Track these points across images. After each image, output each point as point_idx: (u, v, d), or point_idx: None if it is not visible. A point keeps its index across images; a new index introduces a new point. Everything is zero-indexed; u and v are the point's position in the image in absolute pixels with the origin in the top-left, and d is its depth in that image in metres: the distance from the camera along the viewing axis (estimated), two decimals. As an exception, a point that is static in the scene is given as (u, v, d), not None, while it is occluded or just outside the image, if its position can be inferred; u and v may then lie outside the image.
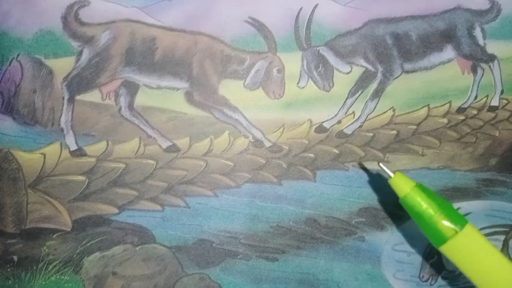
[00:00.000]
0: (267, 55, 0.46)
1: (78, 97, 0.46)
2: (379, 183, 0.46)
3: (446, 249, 0.38)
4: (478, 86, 0.47)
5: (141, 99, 0.46)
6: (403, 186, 0.39)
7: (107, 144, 0.46)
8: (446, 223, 0.37)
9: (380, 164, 0.41)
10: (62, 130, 0.45)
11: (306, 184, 0.46)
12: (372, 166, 0.46)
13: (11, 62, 0.45)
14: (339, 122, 0.47)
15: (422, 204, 0.38)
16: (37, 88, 0.46)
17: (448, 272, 0.46)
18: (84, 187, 0.46)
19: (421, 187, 0.39)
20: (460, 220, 0.38)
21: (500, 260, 0.38)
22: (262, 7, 0.46)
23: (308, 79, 0.46)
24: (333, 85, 0.46)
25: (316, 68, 0.46)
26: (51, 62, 0.45)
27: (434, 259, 0.46)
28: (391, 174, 0.39)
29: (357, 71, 0.47)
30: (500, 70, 0.47)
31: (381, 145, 0.47)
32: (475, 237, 0.38)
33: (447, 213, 0.38)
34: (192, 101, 0.46)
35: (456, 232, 0.37)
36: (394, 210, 0.46)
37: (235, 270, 0.46)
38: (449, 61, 0.47)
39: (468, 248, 0.38)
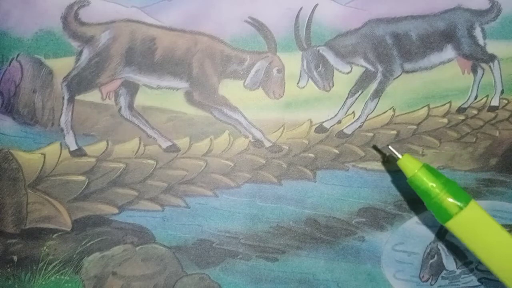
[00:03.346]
0: (267, 55, 0.46)
1: (78, 97, 0.46)
2: (379, 183, 0.46)
3: (451, 225, 0.39)
4: (478, 86, 0.47)
5: (141, 99, 0.46)
6: (411, 166, 0.40)
7: (107, 144, 0.46)
8: (451, 200, 0.39)
9: (390, 147, 0.42)
10: (62, 130, 0.45)
11: (306, 184, 0.46)
12: (371, 166, 0.46)
13: (11, 62, 0.45)
14: (339, 122, 0.47)
15: (428, 183, 0.39)
16: (37, 88, 0.46)
17: (448, 272, 0.46)
18: (84, 187, 0.46)
19: (428, 167, 0.40)
20: (464, 197, 0.39)
21: (503, 234, 0.39)
22: (262, 7, 0.46)
23: (308, 79, 0.46)
24: (333, 85, 0.46)
25: (316, 68, 0.46)
26: (51, 62, 0.45)
27: (434, 259, 0.46)
28: (400, 156, 0.41)
29: (357, 71, 0.47)
30: (500, 70, 0.47)
31: (381, 145, 0.47)
32: (479, 213, 0.39)
33: (452, 191, 0.39)
34: (192, 101, 0.46)
35: (461, 209, 0.39)
36: (394, 210, 0.46)
37: (235, 270, 0.46)
38: (449, 61, 0.47)
39: (472, 223, 0.39)
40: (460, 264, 0.47)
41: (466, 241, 0.40)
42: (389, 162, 0.46)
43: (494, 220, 0.40)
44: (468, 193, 0.40)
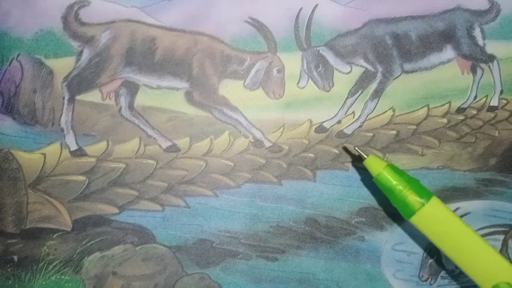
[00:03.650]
0: (267, 55, 0.46)
1: (78, 97, 0.46)
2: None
3: (415, 220, 0.41)
4: (477, 86, 0.47)
5: (141, 99, 0.46)
6: (376, 166, 0.42)
7: (107, 144, 0.46)
8: (413, 197, 0.41)
9: (356, 148, 0.43)
10: (62, 130, 0.45)
11: (306, 184, 0.46)
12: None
13: (11, 62, 0.45)
14: (339, 122, 0.47)
15: (392, 181, 0.41)
16: (37, 88, 0.46)
17: (448, 272, 0.46)
18: (84, 187, 0.46)
19: (392, 167, 0.42)
20: (426, 194, 0.41)
21: (463, 228, 0.41)
22: (262, 7, 0.46)
23: (308, 79, 0.46)
24: (333, 85, 0.46)
25: (316, 68, 0.46)
26: (51, 62, 0.45)
27: (434, 259, 0.46)
28: (365, 156, 0.42)
29: (357, 71, 0.47)
30: (499, 70, 0.47)
31: (381, 145, 0.47)
32: (440, 208, 0.41)
33: (414, 188, 0.41)
34: (192, 101, 0.46)
35: (423, 205, 0.41)
36: (394, 210, 0.46)
37: (235, 270, 0.46)
38: (449, 61, 0.47)
39: (434, 218, 0.41)
40: (460, 263, 0.47)
41: (429, 235, 0.41)
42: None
43: (455, 215, 0.41)
44: (430, 190, 0.42)
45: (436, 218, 0.41)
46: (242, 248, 0.46)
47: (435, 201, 0.41)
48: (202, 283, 0.46)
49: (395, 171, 0.42)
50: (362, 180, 0.46)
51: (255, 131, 0.46)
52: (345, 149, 0.47)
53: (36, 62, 0.45)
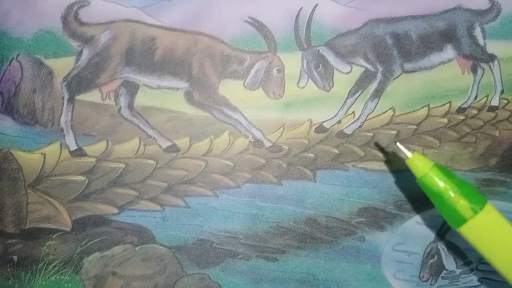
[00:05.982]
0: (267, 55, 0.46)
1: (78, 97, 0.46)
2: (379, 183, 0.46)
3: (465, 230, 0.37)
4: (478, 86, 0.47)
5: (141, 99, 0.46)
6: (421, 166, 0.37)
7: (107, 144, 0.46)
8: (465, 203, 0.36)
9: (398, 144, 0.39)
10: (62, 130, 0.45)
11: (306, 184, 0.46)
12: (371, 166, 0.46)
13: (11, 62, 0.45)
14: (339, 122, 0.47)
15: (440, 184, 0.36)
16: (37, 88, 0.46)
17: (448, 272, 0.46)
18: (84, 187, 0.46)
19: (440, 167, 0.37)
20: (479, 200, 0.37)
21: None
22: (262, 7, 0.46)
23: (308, 79, 0.46)
24: (333, 85, 0.46)
25: (316, 68, 0.46)
26: (51, 62, 0.45)
27: (434, 259, 0.46)
28: (409, 155, 0.38)
29: (357, 71, 0.47)
30: (500, 70, 0.47)
31: (381, 145, 0.47)
32: (495, 217, 0.37)
33: (466, 193, 0.36)
34: (192, 101, 0.46)
35: (476, 213, 0.36)
36: (394, 210, 0.46)
37: (235, 270, 0.46)
38: (449, 61, 0.47)
39: (487, 228, 0.37)
40: (460, 264, 0.47)
41: (480, 247, 0.37)
42: (390, 162, 0.46)
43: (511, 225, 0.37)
44: (482, 196, 0.37)
45: (489, 229, 0.36)
46: (242, 248, 0.46)
47: (489, 209, 0.36)
48: (202, 283, 0.46)
49: (444, 172, 0.37)
50: (362, 180, 0.46)
51: (255, 131, 0.46)
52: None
53: (36, 62, 0.45)
